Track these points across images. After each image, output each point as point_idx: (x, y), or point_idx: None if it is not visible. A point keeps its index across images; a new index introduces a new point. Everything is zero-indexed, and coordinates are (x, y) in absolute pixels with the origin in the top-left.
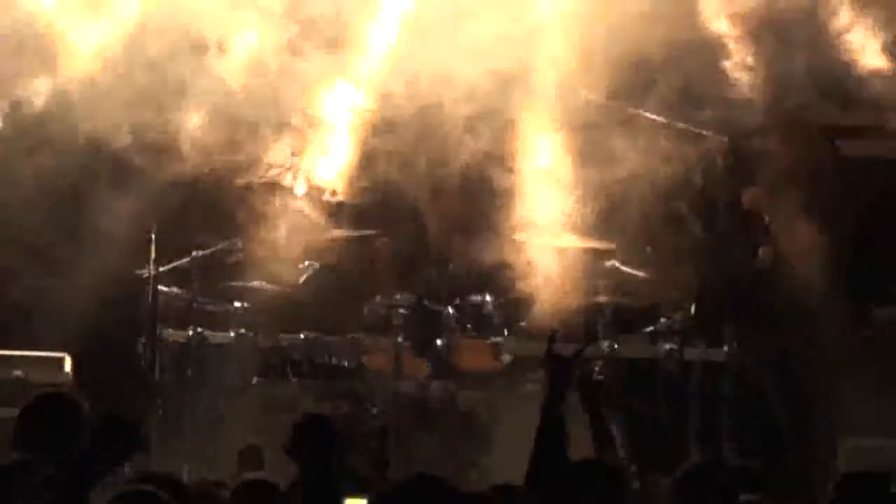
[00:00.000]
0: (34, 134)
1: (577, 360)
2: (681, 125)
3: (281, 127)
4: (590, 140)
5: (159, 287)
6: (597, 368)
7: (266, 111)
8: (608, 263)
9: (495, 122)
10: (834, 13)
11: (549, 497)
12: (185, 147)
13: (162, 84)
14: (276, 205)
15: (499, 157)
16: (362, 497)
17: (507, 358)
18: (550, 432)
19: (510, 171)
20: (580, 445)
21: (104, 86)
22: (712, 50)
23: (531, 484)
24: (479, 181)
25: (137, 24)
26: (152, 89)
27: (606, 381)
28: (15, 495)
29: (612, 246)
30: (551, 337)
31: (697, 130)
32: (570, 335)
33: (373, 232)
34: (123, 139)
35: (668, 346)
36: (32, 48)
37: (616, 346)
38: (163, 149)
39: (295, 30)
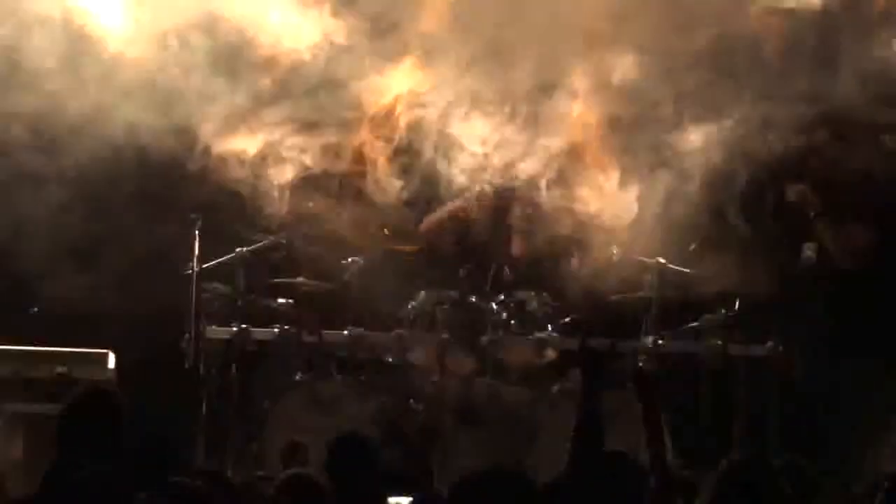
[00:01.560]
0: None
1: (610, 355)
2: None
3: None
4: (634, 133)
5: (203, 284)
6: (641, 362)
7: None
8: (652, 259)
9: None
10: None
11: (585, 491)
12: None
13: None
14: (318, 201)
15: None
16: (406, 496)
17: (551, 353)
18: (586, 427)
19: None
20: (617, 439)
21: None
22: (756, 43)
23: (569, 479)
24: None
25: None
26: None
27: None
28: (59, 492)
29: (658, 242)
30: (585, 331)
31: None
32: (613, 331)
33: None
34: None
35: (712, 342)
36: None
37: (661, 342)
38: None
39: None
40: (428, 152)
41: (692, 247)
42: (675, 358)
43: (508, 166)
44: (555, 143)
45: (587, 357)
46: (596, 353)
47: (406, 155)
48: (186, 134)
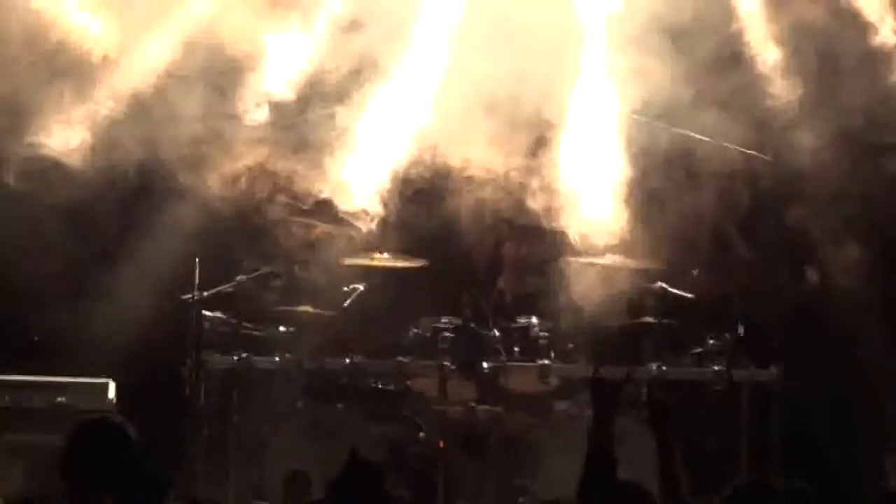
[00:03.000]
0: None
1: (624, 384)
2: (727, 145)
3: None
4: (637, 160)
5: (203, 312)
6: (644, 390)
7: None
8: (655, 285)
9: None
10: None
11: None
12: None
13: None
14: (322, 228)
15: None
16: None
17: (554, 381)
18: (597, 457)
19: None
20: (627, 469)
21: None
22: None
23: None
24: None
25: None
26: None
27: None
28: None
29: (660, 267)
30: (597, 360)
31: (743, 150)
32: (617, 357)
33: (418, 257)
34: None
35: (716, 368)
36: None
37: (664, 368)
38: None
39: None
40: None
41: (695, 272)
42: (678, 384)
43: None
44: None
45: (600, 387)
46: (609, 383)
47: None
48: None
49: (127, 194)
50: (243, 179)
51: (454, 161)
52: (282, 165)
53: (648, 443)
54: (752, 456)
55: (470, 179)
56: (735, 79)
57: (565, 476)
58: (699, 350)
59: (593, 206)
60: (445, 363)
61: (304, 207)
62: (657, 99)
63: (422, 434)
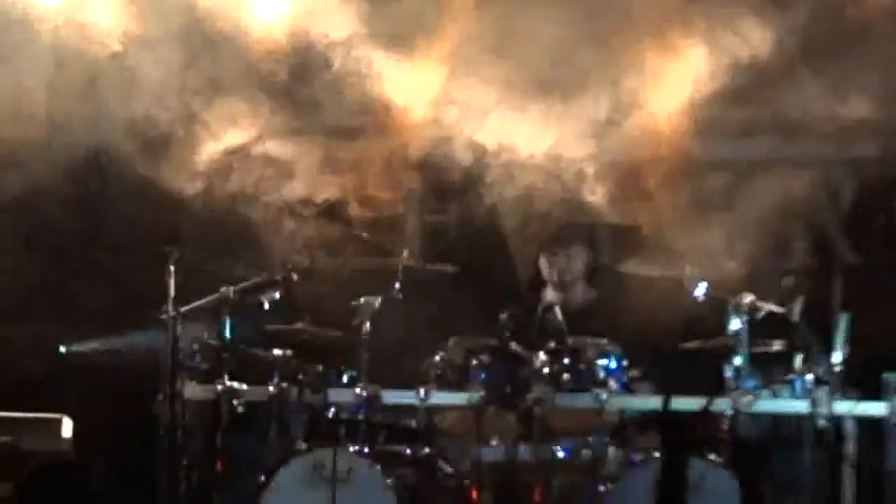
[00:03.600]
0: None
1: (701, 420)
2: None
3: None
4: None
5: (180, 331)
6: (725, 427)
7: None
8: (740, 298)
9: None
10: None
11: None
12: None
13: None
14: (327, 230)
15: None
16: None
17: (614, 416)
18: None
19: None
20: None
21: None
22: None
23: None
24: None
25: None
26: None
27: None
28: None
29: (744, 276)
30: (668, 391)
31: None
32: (692, 386)
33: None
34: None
35: (814, 398)
36: None
37: (752, 400)
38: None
39: None
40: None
41: (786, 280)
42: (767, 419)
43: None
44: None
45: (671, 423)
46: (682, 419)
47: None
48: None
49: (80, 186)
50: (226, 169)
51: (491, 144)
52: (275, 150)
53: (731, 490)
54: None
55: (511, 166)
56: None
57: None
58: (793, 377)
59: (664, 200)
60: (480, 394)
61: (304, 204)
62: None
63: (450, 481)
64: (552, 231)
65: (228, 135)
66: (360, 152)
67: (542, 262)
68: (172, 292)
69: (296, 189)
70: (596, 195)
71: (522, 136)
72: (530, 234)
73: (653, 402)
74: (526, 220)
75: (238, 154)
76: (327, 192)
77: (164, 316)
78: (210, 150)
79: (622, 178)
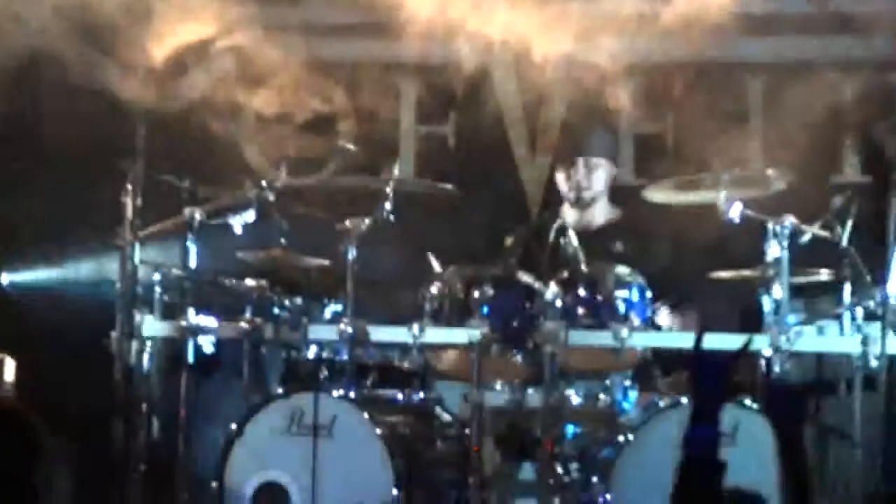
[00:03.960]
0: None
1: (737, 360)
2: None
3: None
4: None
5: (138, 259)
6: (763, 368)
7: None
8: (781, 220)
9: None
10: None
11: None
12: None
13: None
14: (308, 143)
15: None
16: None
17: (635, 356)
18: (698, 460)
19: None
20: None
21: None
22: None
23: None
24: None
25: None
26: None
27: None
28: None
29: (785, 193)
30: (699, 327)
31: None
32: (726, 322)
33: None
34: None
35: (865, 335)
36: None
37: (794, 337)
38: None
39: None
40: None
41: (835, 200)
42: (810, 359)
43: None
44: None
45: (703, 364)
46: (715, 359)
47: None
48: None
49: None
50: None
51: (500, 42)
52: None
53: (769, 440)
54: None
55: (523, 67)
56: None
57: (652, 488)
58: (840, 313)
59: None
60: (482, 330)
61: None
62: None
63: (448, 430)
64: (570, 140)
65: (186, 29)
66: (348, 54)
67: (558, 177)
68: (130, 214)
69: (272, 97)
70: (620, 101)
71: (536, 32)
72: (543, 145)
73: (681, 340)
74: (539, 130)
75: (198, 53)
76: (309, 101)
77: (119, 241)
78: (165, 47)
79: (650, 82)
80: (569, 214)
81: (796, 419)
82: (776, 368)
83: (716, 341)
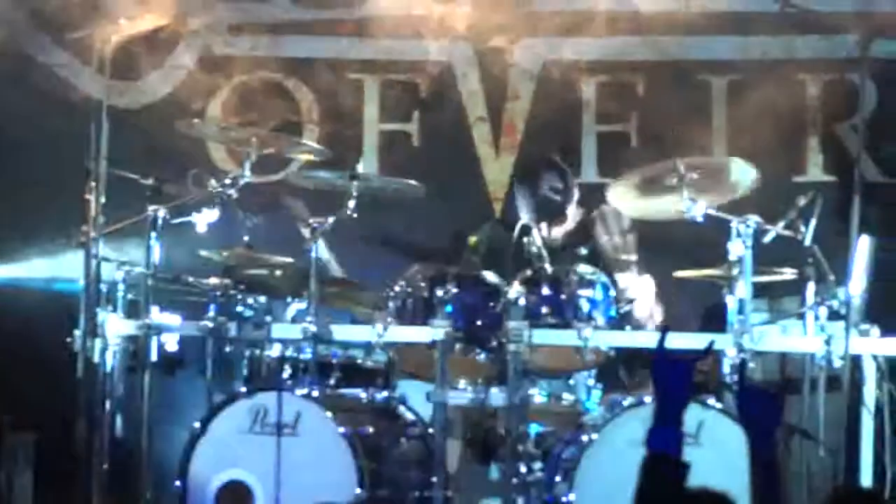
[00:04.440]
0: None
1: (701, 360)
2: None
3: None
4: None
5: (101, 255)
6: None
7: None
8: (744, 218)
9: None
10: None
11: None
12: None
13: None
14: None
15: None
16: None
17: (592, 356)
18: (660, 459)
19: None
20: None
21: None
22: None
23: None
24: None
25: None
26: None
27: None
28: None
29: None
30: (664, 328)
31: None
32: (690, 321)
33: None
34: None
35: (827, 335)
36: None
37: (757, 336)
38: None
39: None
40: None
41: (798, 199)
42: (775, 357)
43: None
44: None
45: (666, 363)
46: (680, 358)
47: None
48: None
49: None
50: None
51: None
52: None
53: (732, 439)
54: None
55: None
56: None
57: (616, 487)
58: (803, 312)
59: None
60: (445, 329)
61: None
62: None
63: (412, 429)
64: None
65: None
66: (314, 51)
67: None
68: (93, 211)
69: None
70: (585, 98)
71: (500, 30)
72: (507, 144)
73: (643, 339)
74: (505, 127)
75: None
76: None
77: (82, 239)
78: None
79: (613, 81)
80: (532, 214)
81: (770, 422)
82: (748, 370)
83: (680, 341)
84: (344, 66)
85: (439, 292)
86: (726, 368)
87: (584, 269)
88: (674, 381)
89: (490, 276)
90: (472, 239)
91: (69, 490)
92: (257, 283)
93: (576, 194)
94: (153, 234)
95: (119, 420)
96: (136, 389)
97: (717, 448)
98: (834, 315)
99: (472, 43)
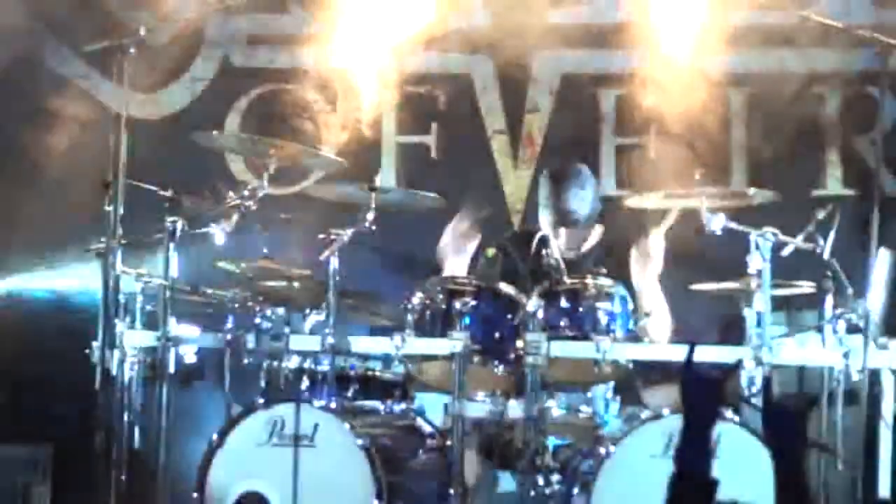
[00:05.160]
0: None
1: (730, 376)
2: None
3: None
4: None
5: (121, 269)
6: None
7: None
8: (762, 231)
9: None
10: None
11: None
12: None
13: None
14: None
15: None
16: None
17: (608, 370)
18: (688, 477)
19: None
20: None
21: None
22: None
23: None
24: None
25: None
26: None
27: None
28: None
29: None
30: (691, 344)
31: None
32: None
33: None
34: None
35: (846, 348)
36: None
37: (772, 350)
38: None
39: None
40: None
41: (820, 212)
42: (793, 371)
43: None
44: None
45: (694, 380)
46: (707, 375)
47: None
48: None
49: None
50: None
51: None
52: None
53: (751, 452)
54: (894, 473)
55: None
56: None
57: (633, 500)
58: (821, 325)
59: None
60: (463, 341)
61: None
62: None
63: (429, 441)
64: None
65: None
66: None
67: (542, 189)
68: (112, 223)
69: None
70: (604, 111)
71: (520, 41)
72: (526, 156)
73: (670, 353)
74: (524, 140)
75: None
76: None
77: (100, 250)
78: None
79: (631, 92)
80: (550, 226)
81: (796, 444)
82: (775, 387)
83: (700, 353)
84: (363, 78)
85: (457, 305)
86: (744, 381)
87: (602, 281)
88: (702, 398)
89: (508, 289)
90: (490, 251)
91: (87, 502)
92: (276, 295)
93: (599, 206)
94: (171, 246)
95: (137, 432)
96: (154, 401)
97: (735, 461)
98: (852, 328)
99: (491, 55)
